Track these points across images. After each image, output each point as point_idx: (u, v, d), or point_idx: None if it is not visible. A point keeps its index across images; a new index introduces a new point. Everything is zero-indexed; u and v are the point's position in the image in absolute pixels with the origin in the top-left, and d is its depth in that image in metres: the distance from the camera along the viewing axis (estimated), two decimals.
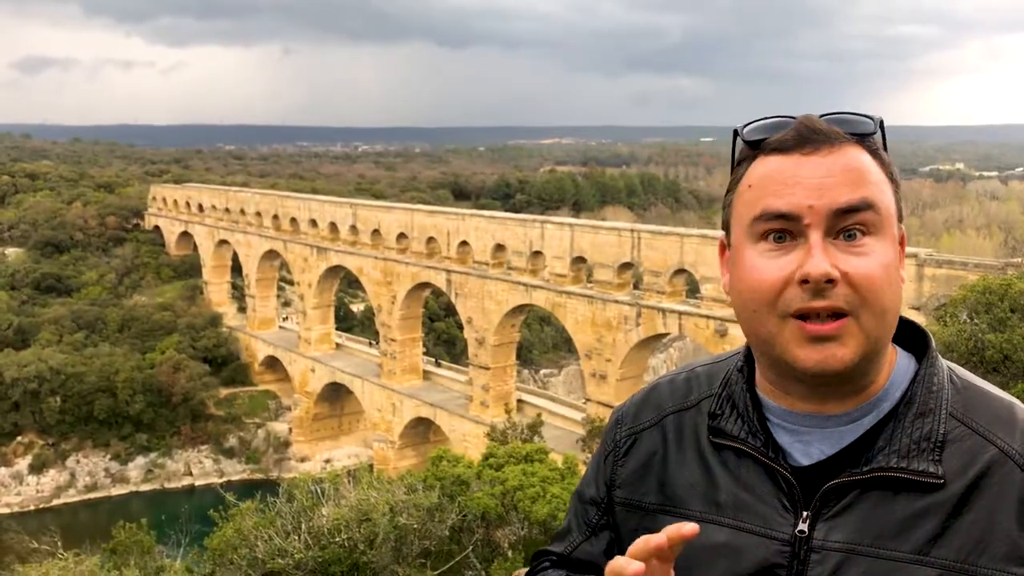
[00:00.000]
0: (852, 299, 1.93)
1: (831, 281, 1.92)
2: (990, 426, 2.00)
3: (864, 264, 1.94)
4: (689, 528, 1.82)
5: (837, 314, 1.94)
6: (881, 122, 2.09)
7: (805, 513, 2.04)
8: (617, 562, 1.85)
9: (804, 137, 2.01)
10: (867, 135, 2.05)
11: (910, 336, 2.19)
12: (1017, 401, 2.08)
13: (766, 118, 2.13)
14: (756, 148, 2.09)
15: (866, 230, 1.96)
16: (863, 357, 1.96)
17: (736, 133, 2.14)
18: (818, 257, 1.92)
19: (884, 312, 1.96)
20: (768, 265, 1.99)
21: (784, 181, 1.99)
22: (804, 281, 1.93)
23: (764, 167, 2.05)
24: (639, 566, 1.81)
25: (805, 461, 2.09)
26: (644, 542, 1.83)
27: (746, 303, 2.03)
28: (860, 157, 2.01)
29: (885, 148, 2.10)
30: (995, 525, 1.90)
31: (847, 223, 1.95)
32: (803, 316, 1.95)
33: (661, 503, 2.26)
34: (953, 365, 2.17)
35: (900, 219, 2.08)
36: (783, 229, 1.98)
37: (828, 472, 2.05)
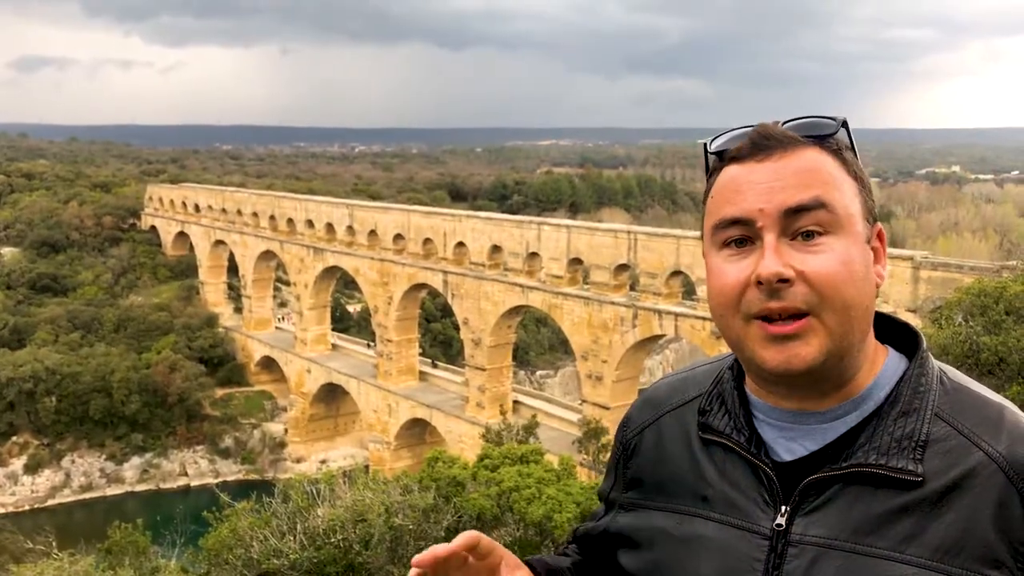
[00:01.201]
0: (810, 298, 1.96)
1: (786, 281, 1.95)
2: (976, 428, 2.00)
3: (820, 262, 1.96)
4: (465, 539, 2.05)
5: (799, 314, 1.97)
6: (844, 122, 2.11)
7: (784, 508, 2.07)
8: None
9: (757, 145, 2.06)
10: (826, 136, 2.08)
11: (903, 337, 2.21)
12: (1009, 404, 2.07)
13: (732, 129, 2.17)
14: (721, 159, 2.16)
15: (823, 230, 1.99)
16: (829, 355, 1.98)
17: (706, 146, 2.21)
18: (769, 258, 1.96)
19: (847, 309, 1.97)
20: (729, 269, 2.04)
21: (737, 188, 2.05)
22: (760, 283, 1.97)
23: (724, 177, 2.11)
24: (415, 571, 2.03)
25: (788, 457, 2.12)
26: (430, 553, 2.03)
27: (714, 308, 2.10)
28: (815, 158, 2.04)
29: (852, 147, 2.12)
30: (973, 527, 1.90)
31: (801, 223, 1.98)
32: (766, 318, 1.99)
33: (655, 499, 2.31)
34: (946, 367, 2.17)
35: (872, 217, 2.09)
36: (742, 235, 2.04)
37: (810, 468, 2.07)
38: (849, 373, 2.07)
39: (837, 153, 2.08)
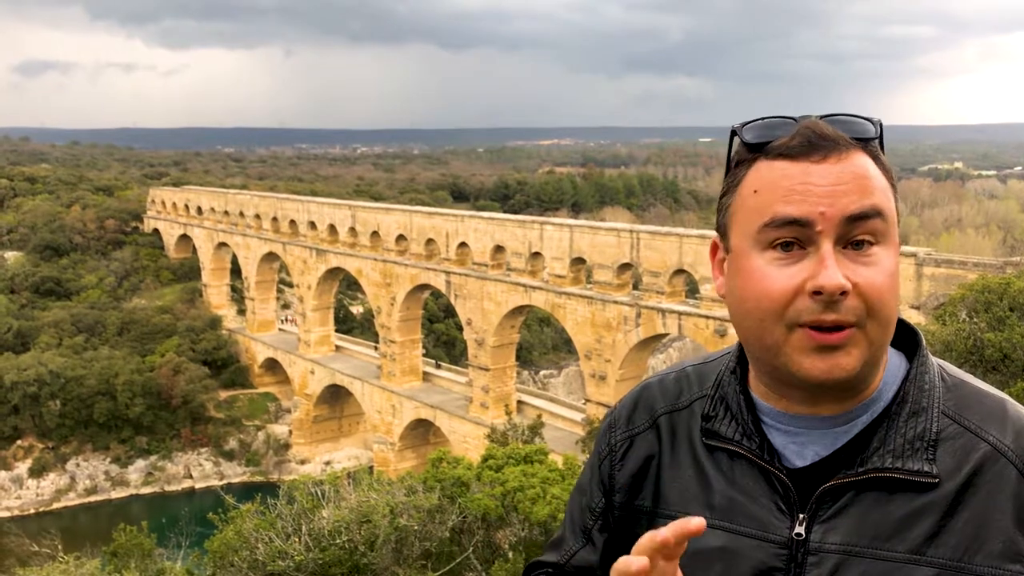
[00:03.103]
0: (860, 311, 1.91)
1: (844, 293, 1.90)
2: (982, 423, 2.00)
3: (873, 275, 1.93)
4: (696, 524, 1.77)
5: (844, 324, 1.93)
6: (880, 124, 2.06)
7: (801, 515, 2.03)
8: (622, 560, 1.81)
9: (813, 144, 1.97)
10: (871, 139, 2.03)
11: (900, 334, 2.18)
12: (1008, 397, 2.08)
13: (765, 118, 2.08)
14: (756, 150, 2.04)
15: (874, 239, 1.95)
16: (866, 364, 1.96)
17: (734, 133, 2.10)
18: (832, 268, 1.89)
19: (888, 321, 1.97)
20: (777, 274, 1.95)
21: (793, 188, 1.95)
22: (816, 292, 1.90)
23: (771, 172, 2.00)
24: (643, 562, 1.77)
25: (800, 463, 2.08)
26: (649, 538, 1.79)
27: (751, 312, 1.99)
28: (866, 164, 1.99)
29: (883, 151, 2.08)
30: (990, 523, 1.90)
31: (857, 231, 1.93)
32: (811, 326, 1.93)
33: (658, 506, 2.25)
34: (943, 362, 2.16)
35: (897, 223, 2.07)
36: (793, 237, 1.95)
37: (823, 473, 2.04)
38: (872, 380, 2.05)
39: (877, 158, 2.03)
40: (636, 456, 2.34)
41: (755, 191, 2.01)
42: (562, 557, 2.44)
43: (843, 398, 2.05)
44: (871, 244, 1.95)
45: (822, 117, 2.05)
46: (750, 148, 2.06)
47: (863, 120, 2.05)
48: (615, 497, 2.35)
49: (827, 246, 1.91)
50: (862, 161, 1.98)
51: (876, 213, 1.94)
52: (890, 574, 1.92)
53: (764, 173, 2.01)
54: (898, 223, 2.07)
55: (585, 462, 2.56)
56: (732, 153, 2.12)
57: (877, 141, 2.06)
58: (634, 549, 1.82)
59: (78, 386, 67.34)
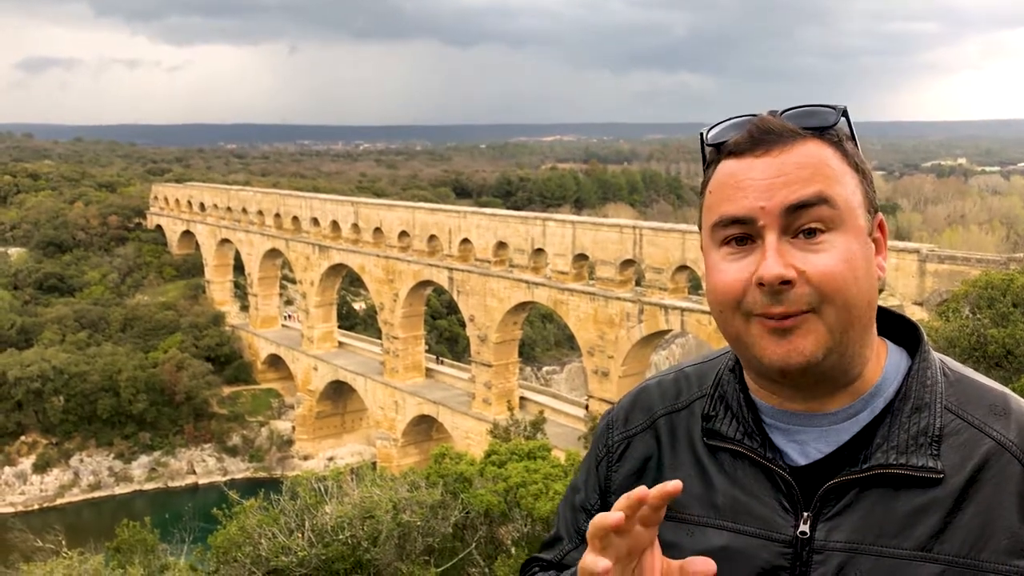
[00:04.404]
0: (812, 298, 1.92)
1: (788, 282, 1.91)
2: (986, 418, 1.99)
3: (823, 261, 1.92)
4: (672, 486, 1.79)
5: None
6: (845, 110, 2.05)
7: (806, 514, 2.03)
8: (599, 516, 1.82)
9: (756, 139, 2.00)
10: (826, 128, 2.02)
11: (901, 331, 2.18)
12: (1010, 392, 2.07)
13: (730, 119, 2.11)
14: (719, 151, 2.09)
15: (824, 226, 1.94)
16: (828, 350, 1.95)
17: (702, 137, 2.14)
18: (771, 259, 1.92)
19: (848, 307, 1.94)
20: (729, 268, 1.99)
21: (736, 185, 1.99)
22: (762, 283, 1.92)
23: (722, 172, 2.05)
24: (619, 516, 1.79)
25: (802, 461, 2.07)
26: (627, 497, 1.82)
27: (713, 305, 2.05)
28: (816, 152, 1.99)
29: (852, 137, 2.07)
30: (996, 519, 1.89)
31: (803, 220, 1.94)
32: (765, 316, 1.95)
33: None
34: (944, 357, 2.15)
35: (874, 209, 2.05)
36: (742, 233, 1.98)
37: (826, 471, 2.03)
38: (854, 370, 2.03)
39: (838, 144, 2.02)
40: (633, 457, 2.34)
41: (710, 191, 2.07)
42: (556, 556, 2.45)
43: (830, 391, 2.04)
44: (822, 231, 1.94)
45: (783, 111, 2.06)
46: (715, 149, 2.10)
47: (822, 109, 2.05)
48: (612, 498, 2.33)
49: (770, 238, 1.94)
50: (811, 150, 1.98)
51: (820, 200, 1.94)
52: (896, 571, 1.92)
53: (718, 174, 2.06)
54: (874, 209, 2.05)
55: (580, 462, 2.55)
56: (706, 155, 2.15)
57: (844, 128, 2.05)
58: (613, 508, 1.84)
59: (81, 382, 67.47)
